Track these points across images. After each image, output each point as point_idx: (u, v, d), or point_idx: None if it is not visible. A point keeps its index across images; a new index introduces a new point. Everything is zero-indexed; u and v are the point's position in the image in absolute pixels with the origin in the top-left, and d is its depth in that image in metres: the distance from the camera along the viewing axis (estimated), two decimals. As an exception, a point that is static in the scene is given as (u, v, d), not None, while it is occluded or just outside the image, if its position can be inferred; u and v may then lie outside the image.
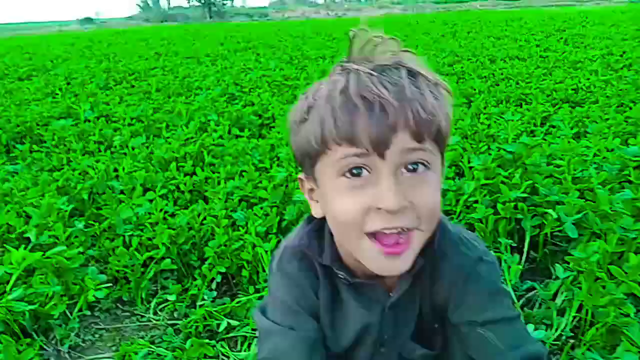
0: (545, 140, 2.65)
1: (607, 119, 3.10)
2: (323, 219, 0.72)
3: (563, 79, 4.38)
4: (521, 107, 3.52)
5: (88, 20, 41.75)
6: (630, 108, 3.47)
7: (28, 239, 2.02)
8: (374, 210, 0.60)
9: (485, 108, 3.56)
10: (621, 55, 6.01)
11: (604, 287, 1.48)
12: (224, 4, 40.87)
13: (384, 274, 0.65)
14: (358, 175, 0.60)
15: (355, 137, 0.57)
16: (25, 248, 1.70)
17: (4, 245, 2.06)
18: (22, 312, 1.60)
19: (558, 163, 2.16)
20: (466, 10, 28.18)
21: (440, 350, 0.77)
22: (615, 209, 1.82)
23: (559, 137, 2.77)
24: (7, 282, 1.68)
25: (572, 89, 4.02)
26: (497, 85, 4.46)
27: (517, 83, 4.43)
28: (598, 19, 12.79)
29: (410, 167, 0.61)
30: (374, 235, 0.62)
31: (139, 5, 51.06)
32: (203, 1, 39.00)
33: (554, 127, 3.06)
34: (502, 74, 4.93)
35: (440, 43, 8.62)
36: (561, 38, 8.37)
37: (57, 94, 4.89)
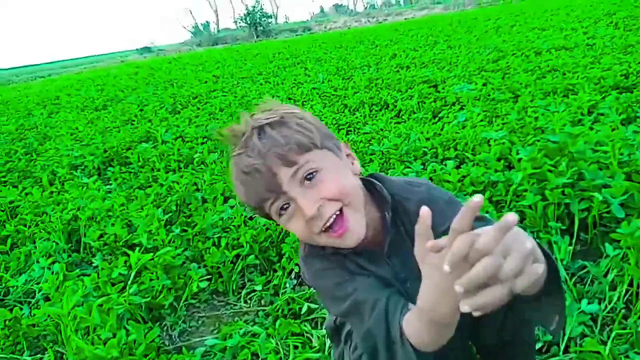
0: (592, 128, 2.73)
1: (659, 103, 3.10)
2: None
3: (611, 66, 4.34)
4: (568, 97, 3.57)
5: (146, 49, 44.42)
6: (686, 89, 3.43)
7: (133, 246, 2.40)
8: (309, 220, 0.83)
9: (532, 101, 3.64)
10: (679, 34, 5.79)
11: (651, 260, 1.60)
12: (268, 23, 42.08)
13: (351, 245, 0.87)
14: (286, 208, 0.86)
15: (261, 197, 0.85)
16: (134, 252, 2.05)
17: (115, 251, 2.45)
18: (139, 304, 1.95)
19: (604, 149, 2.25)
20: (509, 3, 27.39)
21: None
22: (662, 188, 1.91)
23: (606, 124, 2.83)
24: (121, 282, 2.05)
25: (622, 75, 3.99)
26: (544, 77, 4.47)
27: (564, 74, 4.42)
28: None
29: (307, 178, 0.84)
30: (324, 231, 0.85)
31: (190, 31, 53.77)
32: (249, 22, 40.43)
33: (602, 114, 3.11)
34: (547, 65, 4.91)
35: (484, 40, 8.58)
36: (611, 22, 8.10)
37: (133, 121, 5.45)
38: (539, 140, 2.68)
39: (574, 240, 1.99)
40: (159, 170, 3.30)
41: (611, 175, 2.06)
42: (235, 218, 2.30)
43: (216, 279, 2.12)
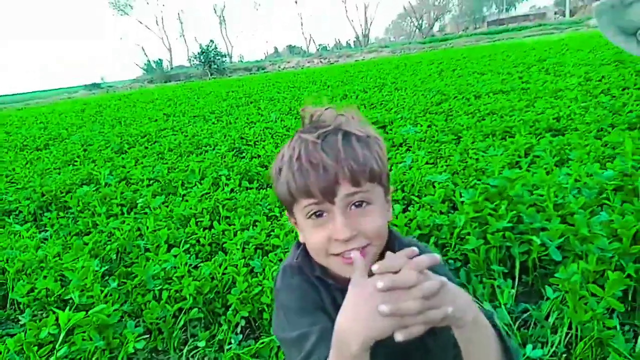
0: (529, 170, 2.87)
1: (587, 145, 3.32)
2: None
3: (544, 110, 4.64)
4: (506, 140, 3.76)
5: (95, 85, 42.95)
6: (609, 132, 3.72)
7: (66, 301, 2.23)
8: (334, 241, 0.82)
9: (472, 143, 3.80)
10: (600, 81, 6.30)
11: (586, 304, 1.66)
12: (223, 62, 42.37)
13: (348, 276, 0.84)
14: (320, 216, 0.83)
15: (310, 192, 0.81)
16: (64, 310, 1.90)
17: (46, 307, 2.26)
18: (69, 368, 1.79)
19: (540, 192, 2.36)
20: (450, 48, 29.16)
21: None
22: (594, 231, 2.01)
23: (541, 166, 2.99)
24: (51, 343, 1.88)
25: (554, 118, 4.27)
26: (483, 120, 4.71)
27: (502, 117, 4.69)
28: (577, 45, 13.30)
29: (355, 204, 0.82)
30: (337, 254, 0.84)
31: (142, 68, 52.75)
32: (203, 60, 40.55)
33: (537, 157, 3.29)
34: (487, 109, 5.19)
35: (428, 83, 8.99)
36: (542, 68, 8.75)
37: (76, 161, 5.18)
38: (479, 181, 2.78)
39: (516, 283, 2.04)
40: (99, 215, 3.13)
41: (548, 218, 2.15)
42: (178, 268, 2.20)
43: (156, 336, 1.99)
